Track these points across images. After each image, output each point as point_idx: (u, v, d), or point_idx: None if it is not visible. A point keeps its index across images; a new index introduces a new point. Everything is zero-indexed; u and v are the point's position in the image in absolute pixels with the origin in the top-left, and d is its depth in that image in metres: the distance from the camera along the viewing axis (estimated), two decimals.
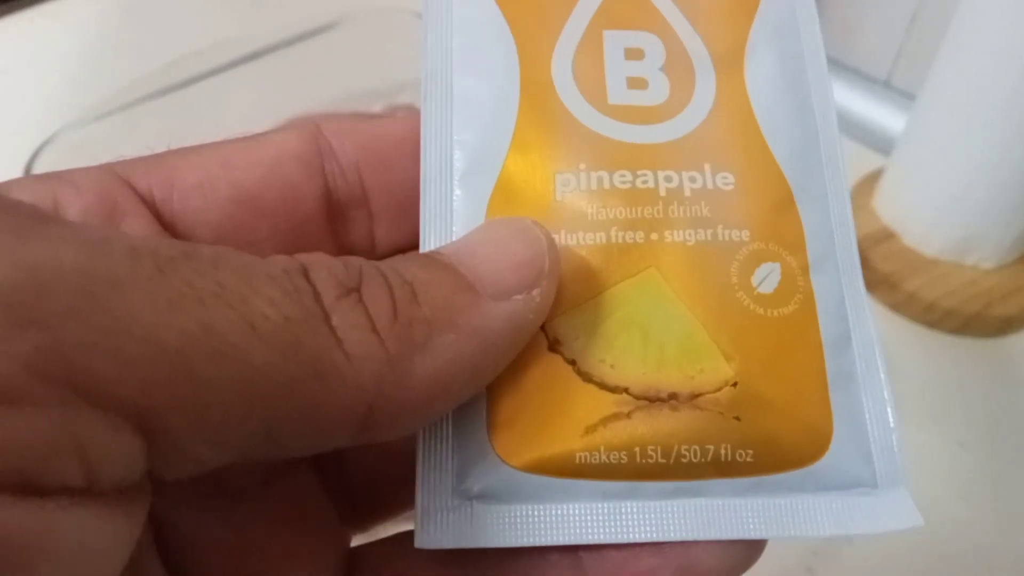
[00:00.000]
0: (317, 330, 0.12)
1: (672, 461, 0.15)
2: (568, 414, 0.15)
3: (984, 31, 0.38)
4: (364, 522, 0.19)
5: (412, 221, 0.17)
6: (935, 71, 0.41)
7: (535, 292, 0.15)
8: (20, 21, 0.60)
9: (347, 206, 0.18)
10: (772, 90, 0.18)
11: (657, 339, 0.16)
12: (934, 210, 0.42)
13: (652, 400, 0.16)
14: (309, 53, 0.49)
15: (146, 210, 0.16)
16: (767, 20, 0.19)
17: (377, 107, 0.46)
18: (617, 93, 0.18)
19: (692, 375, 0.16)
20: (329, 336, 0.12)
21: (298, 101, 0.44)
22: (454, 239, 0.16)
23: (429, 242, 0.17)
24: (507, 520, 0.15)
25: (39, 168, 0.40)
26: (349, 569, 0.17)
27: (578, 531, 0.15)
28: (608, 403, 0.16)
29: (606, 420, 0.15)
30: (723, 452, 0.15)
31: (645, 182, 0.17)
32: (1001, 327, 0.41)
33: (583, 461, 0.15)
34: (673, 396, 0.16)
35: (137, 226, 0.16)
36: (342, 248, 0.18)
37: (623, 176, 0.17)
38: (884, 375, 0.17)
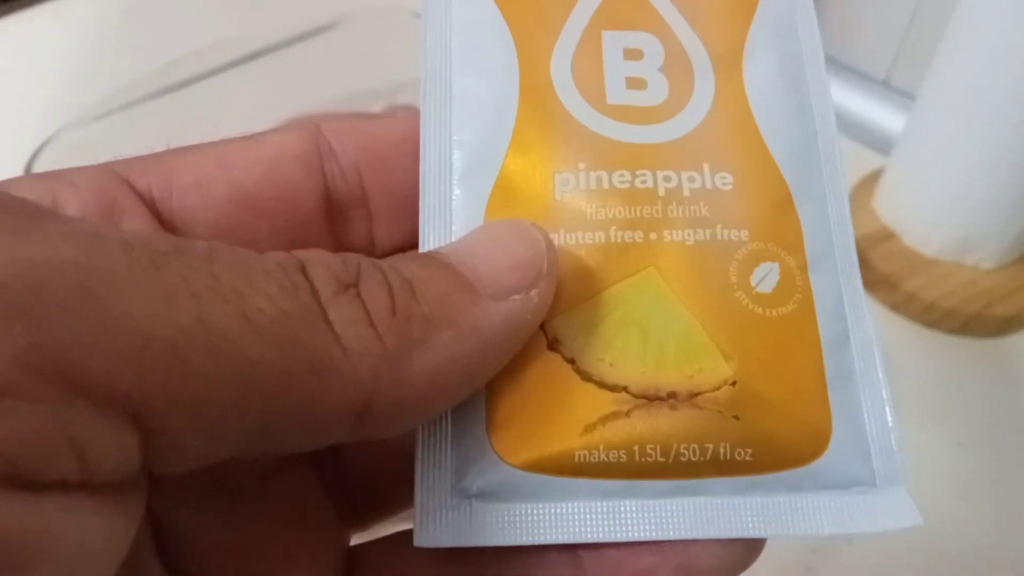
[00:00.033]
0: (314, 325, 0.12)
1: (671, 460, 0.15)
2: (567, 413, 0.15)
3: (983, 31, 0.38)
4: (363, 521, 0.19)
5: (411, 221, 0.17)
6: (934, 71, 0.41)
7: (533, 293, 0.15)
8: (20, 21, 0.60)
9: (346, 206, 0.18)
10: (771, 90, 0.18)
11: (656, 338, 0.16)
12: (934, 210, 0.42)
13: (651, 399, 0.16)
14: (309, 53, 0.49)
15: (145, 209, 0.16)
16: (766, 20, 0.19)
17: (377, 107, 0.46)
18: (616, 93, 0.18)
19: (691, 374, 0.16)
20: (326, 331, 0.12)
21: (298, 101, 0.44)
22: (453, 239, 0.16)
23: (428, 242, 0.17)
24: (506, 518, 0.15)
25: (39, 168, 0.40)
26: (348, 568, 0.17)
27: (577, 530, 0.15)
28: (607, 402, 0.16)
29: (605, 419, 0.15)
30: (722, 451, 0.15)
31: (644, 182, 0.17)
32: (1001, 327, 0.41)
33: (582, 460, 0.15)
34: (672, 395, 0.16)
35: (136, 225, 0.16)
36: (341, 248, 0.18)
37: (622, 176, 0.17)
38: (882, 374, 0.17)
